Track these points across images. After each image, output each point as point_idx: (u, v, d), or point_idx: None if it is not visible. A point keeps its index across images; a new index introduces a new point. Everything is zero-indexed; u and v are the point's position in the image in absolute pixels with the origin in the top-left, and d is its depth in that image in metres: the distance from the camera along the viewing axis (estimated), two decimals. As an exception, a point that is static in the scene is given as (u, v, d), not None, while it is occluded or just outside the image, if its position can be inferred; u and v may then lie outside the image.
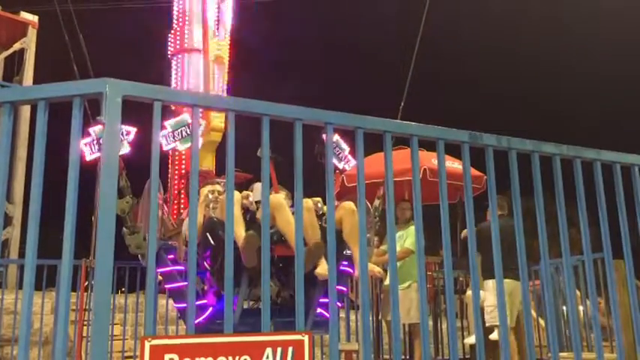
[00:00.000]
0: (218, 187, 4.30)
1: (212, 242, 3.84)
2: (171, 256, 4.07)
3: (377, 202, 4.62)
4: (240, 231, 3.76)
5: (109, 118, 2.00)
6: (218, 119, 18.04)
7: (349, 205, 3.94)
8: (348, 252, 4.10)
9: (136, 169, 3.95)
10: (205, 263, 3.95)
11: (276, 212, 3.78)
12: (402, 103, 5.67)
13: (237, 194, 4.01)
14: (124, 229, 3.85)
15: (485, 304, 5.97)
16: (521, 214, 2.67)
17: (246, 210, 4.12)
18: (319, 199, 4.08)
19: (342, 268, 4.17)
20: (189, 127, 4.07)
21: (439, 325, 7.68)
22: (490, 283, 5.76)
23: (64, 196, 2.03)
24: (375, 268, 4.12)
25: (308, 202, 3.97)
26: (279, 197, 3.96)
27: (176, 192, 17.17)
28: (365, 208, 2.45)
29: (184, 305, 3.19)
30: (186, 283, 2.60)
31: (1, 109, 2.07)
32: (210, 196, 4.11)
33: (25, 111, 12.55)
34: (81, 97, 2.04)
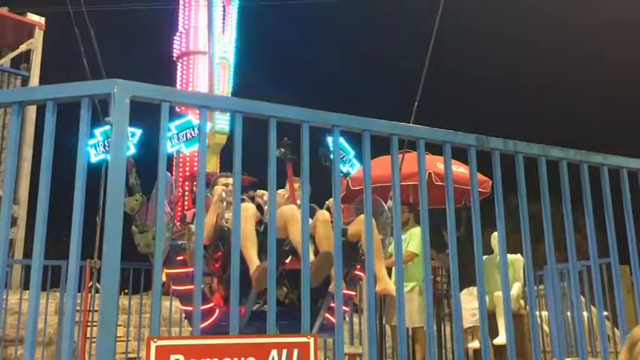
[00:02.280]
0: (230, 180, 4.18)
1: (223, 250, 3.81)
2: (181, 258, 4.05)
3: (390, 203, 4.60)
4: (252, 255, 3.62)
5: (118, 119, 2.00)
6: (221, 122, 18.09)
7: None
8: (363, 257, 4.07)
9: (141, 170, 3.95)
10: (215, 265, 3.93)
11: (289, 224, 3.69)
12: (416, 104, 5.62)
13: (252, 208, 3.91)
14: (134, 227, 3.81)
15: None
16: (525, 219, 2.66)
17: (259, 220, 4.01)
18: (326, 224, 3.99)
19: (354, 272, 4.16)
20: (194, 130, 4.08)
21: (443, 329, 7.65)
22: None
23: (69, 196, 2.03)
24: (389, 287, 3.99)
25: (325, 215, 3.90)
26: (294, 208, 3.86)
27: (180, 194, 17.18)
28: (371, 211, 2.45)
29: (192, 308, 3.18)
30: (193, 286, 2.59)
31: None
32: (224, 194, 4.05)
33: (31, 112, 12.57)
34: (89, 98, 2.05)
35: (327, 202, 4.16)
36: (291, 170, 4.20)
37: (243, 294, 3.49)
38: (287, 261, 3.85)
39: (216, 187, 4.20)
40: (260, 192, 4.20)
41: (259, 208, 4.12)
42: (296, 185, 4.24)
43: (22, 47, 13.48)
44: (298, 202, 4.12)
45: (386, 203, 4.56)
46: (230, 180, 4.18)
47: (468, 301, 6.11)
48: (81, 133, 2.03)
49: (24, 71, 13.27)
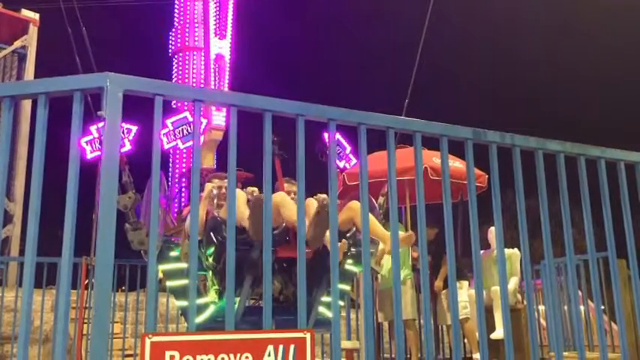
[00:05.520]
0: (225, 183, 4.27)
1: (215, 241, 3.82)
2: (174, 254, 4.05)
3: (381, 200, 4.60)
4: (246, 211, 3.81)
5: (110, 113, 1.98)
6: (219, 118, 18.07)
7: (357, 205, 3.88)
8: (353, 250, 4.07)
9: (138, 167, 3.94)
10: (207, 261, 3.93)
11: (281, 209, 3.74)
12: (407, 100, 5.62)
13: (242, 194, 4.00)
14: (127, 224, 3.82)
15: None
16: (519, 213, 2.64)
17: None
18: (325, 195, 4.05)
19: (347, 266, 4.15)
20: (189, 126, 4.05)
21: (434, 322, 7.64)
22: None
23: (65, 193, 2.01)
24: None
25: (313, 203, 3.93)
26: (282, 194, 3.93)
27: (176, 191, 17.17)
28: (368, 205, 2.43)
29: (186, 303, 3.17)
30: (187, 280, 2.58)
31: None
32: (215, 191, 4.07)
33: (26, 108, 12.52)
34: (82, 92, 2.02)
35: (321, 196, 4.16)
36: (279, 165, 4.22)
37: (238, 283, 3.50)
38: (279, 250, 3.85)
39: (206, 184, 4.20)
40: (250, 189, 4.20)
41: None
42: (286, 185, 4.25)
43: (17, 43, 13.44)
44: (294, 187, 4.15)
45: (377, 199, 4.56)
46: (223, 183, 4.20)
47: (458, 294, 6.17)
48: (73, 128, 2.01)
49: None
